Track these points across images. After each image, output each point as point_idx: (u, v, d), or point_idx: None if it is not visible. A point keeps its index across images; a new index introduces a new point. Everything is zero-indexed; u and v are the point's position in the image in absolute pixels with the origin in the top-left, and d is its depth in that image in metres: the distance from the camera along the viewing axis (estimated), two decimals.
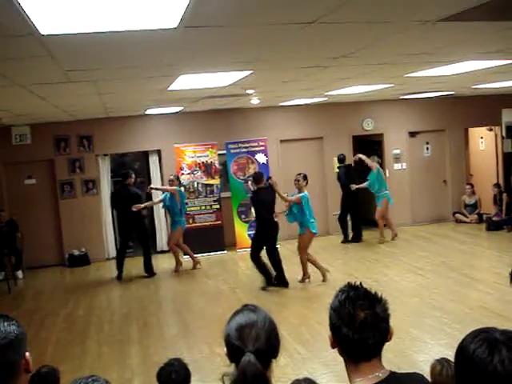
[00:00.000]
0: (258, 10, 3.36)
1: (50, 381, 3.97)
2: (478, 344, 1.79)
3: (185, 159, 13.11)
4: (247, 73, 6.35)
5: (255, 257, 9.64)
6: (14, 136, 12.54)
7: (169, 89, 7.38)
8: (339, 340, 2.12)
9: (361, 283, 2.20)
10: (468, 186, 14.67)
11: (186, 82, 6.67)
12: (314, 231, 9.72)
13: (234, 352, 2.12)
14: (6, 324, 1.89)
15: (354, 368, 2.13)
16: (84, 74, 5.54)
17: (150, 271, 11.55)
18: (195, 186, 13.14)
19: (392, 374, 2.15)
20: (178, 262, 11.73)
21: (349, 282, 2.22)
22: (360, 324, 2.05)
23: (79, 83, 6.10)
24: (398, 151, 14.73)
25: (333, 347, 2.19)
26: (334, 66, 6.26)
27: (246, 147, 13.40)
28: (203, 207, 13.17)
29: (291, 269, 10.07)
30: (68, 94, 7.24)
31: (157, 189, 12.33)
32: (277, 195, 9.74)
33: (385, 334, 2.10)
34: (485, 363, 1.74)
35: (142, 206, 11.47)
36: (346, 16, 3.64)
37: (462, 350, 1.85)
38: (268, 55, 5.19)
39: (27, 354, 1.93)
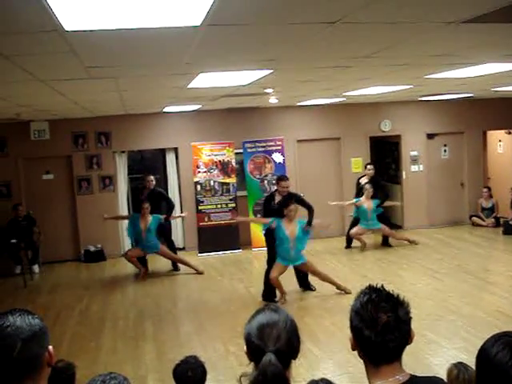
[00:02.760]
0: (281, 9, 3.35)
1: (66, 375, 3.98)
2: (499, 348, 1.78)
3: (201, 157, 13.14)
4: (267, 72, 6.34)
5: None
6: (33, 131, 12.60)
7: (188, 87, 7.39)
8: (360, 342, 2.11)
9: (382, 285, 2.19)
10: (485, 190, 14.56)
11: (205, 80, 6.68)
12: None
13: (254, 351, 2.12)
14: (30, 317, 1.91)
15: (374, 371, 2.12)
16: (105, 71, 5.56)
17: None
18: (211, 184, 13.17)
19: (412, 377, 2.13)
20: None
21: (370, 284, 2.20)
22: (382, 327, 2.03)
23: (100, 80, 6.13)
24: (415, 153, 14.65)
25: (353, 349, 2.19)
26: (354, 66, 6.23)
27: (263, 146, 13.41)
28: (219, 206, 13.20)
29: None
30: (88, 91, 7.27)
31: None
32: None
33: (406, 337, 2.09)
34: (506, 367, 1.74)
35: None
36: (369, 16, 3.62)
37: (483, 353, 1.84)
38: (289, 55, 5.18)
39: (50, 347, 1.95)
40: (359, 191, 12.78)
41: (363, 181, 12.84)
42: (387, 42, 4.76)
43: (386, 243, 12.91)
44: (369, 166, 12.93)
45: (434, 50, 5.49)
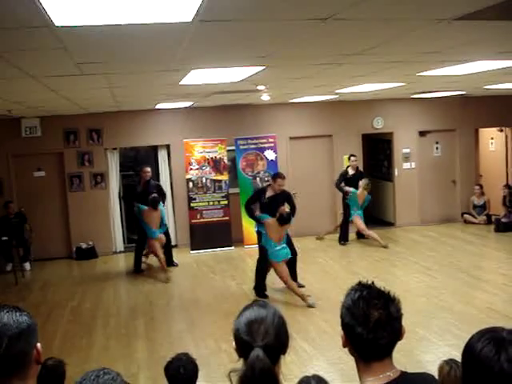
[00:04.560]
0: (273, 5, 3.35)
1: (56, 373, 3.97)
2: (484, 343, 1.79)
3: (194, 154, 13.12)
4: (259, 68, 6.32)
5: None
6: (24, 128, 12.58)
7: (180, 83, 7.37)
8: (352, 339, 2.11)
9: (373, 282, 2.19)
10: (477, 187, 14.60)
11: (197, 76, 6.66)
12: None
13: (243, 347, 2.12)
14: (17, 314, 1.89)
15: (365, 367, 2.12)
16: (96, 67, 5.53)
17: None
18: (204, 181, 13.15)
19: (403, 373, 2.14)
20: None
21: (360, 281, 2.20)
22: (374, 323, 2.03)
23: (91, 76, 6.10)
24: (407, 150, 14.67)
25: (344, 346, 2.18)
26: (347, 63, 6.22)
27: (255, 143, 13.39)
28: (211, 203, 13.18)
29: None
30: (79, 87, 7.23)
31: None
32: None
33: (397, 334, 2.10)
34: (491, 362, 1.74)
35: None
36: (361, 13, 3.61)
37: (468, 348, 1.85)
38: (281, 51, 5.17)
39: (38, 344, 1.93)
40: (347, 181, 12.83)
41: (350, 172, 12.92)
42: (379, 39, 4.76)
43: (361, 235, 13.13)
44: (352, 158, 13.02)
45: (427, 48, 5.49)
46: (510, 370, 1.71)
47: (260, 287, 9.32)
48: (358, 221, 12.75)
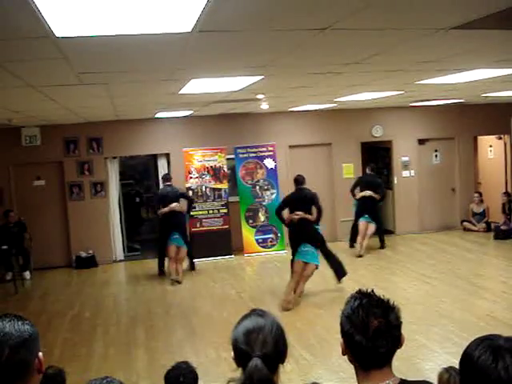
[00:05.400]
0: (271, 16, 3.37)
1: (56, 381, 3.97)
2: (482, 351, 1.79)
3: (193, 163, 13.13)
4: (258, 78, 6.36)
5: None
6: (24, 137, 12.59)
7: (180, 92, 7.39)
8: (351, 347, 2.11)
9: (373, 290, 2.19)
10: (476, 195, 14.60)
11: (197, 85, 6.68)
12: None
13: (241, 356, 2.12)
14: (20, 323, 1.89)
15: (364, 375, 2.12)
16: (96, 77, 5.56)
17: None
18: (203, 190, 13.15)
19: (402, 381, 2.14)
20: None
21: (360, 289, 2.21)
22: (373, 332, 2.04)
23: (91, 86, 6.12)
24: (406, 158, 14.69)
25: (343, 354, 2.18)
26: (345, 72, 6.25)
27: (255, 152, 13.41)
28: (211, 211, 13.17)
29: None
30: (79, 97, 7.26)
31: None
32: None
33: (397, 342, 2.10)
34: (489, 370, 1.75)
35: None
36: (359, 23, 3.64)
37: (466, 356, 1.86)
38: (280, 61, 5.20)
39: (40, 354, 1.94)
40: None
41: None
42: (377, 48, 4.79)
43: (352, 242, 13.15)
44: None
45: (424, 56, 5.52)
46: (508, 378, 1.72)
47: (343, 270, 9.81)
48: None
